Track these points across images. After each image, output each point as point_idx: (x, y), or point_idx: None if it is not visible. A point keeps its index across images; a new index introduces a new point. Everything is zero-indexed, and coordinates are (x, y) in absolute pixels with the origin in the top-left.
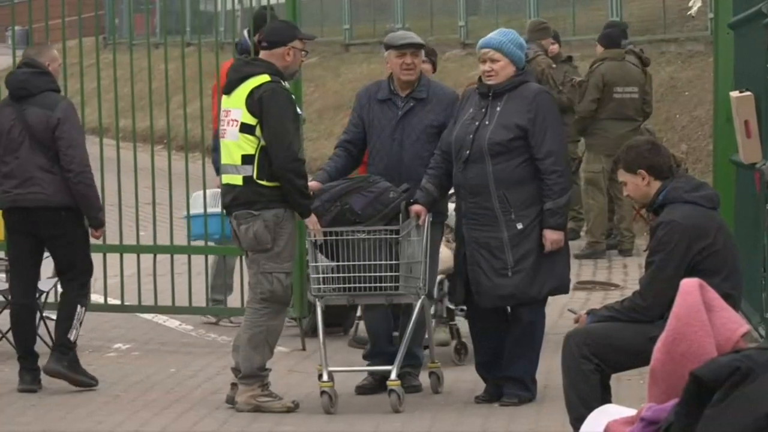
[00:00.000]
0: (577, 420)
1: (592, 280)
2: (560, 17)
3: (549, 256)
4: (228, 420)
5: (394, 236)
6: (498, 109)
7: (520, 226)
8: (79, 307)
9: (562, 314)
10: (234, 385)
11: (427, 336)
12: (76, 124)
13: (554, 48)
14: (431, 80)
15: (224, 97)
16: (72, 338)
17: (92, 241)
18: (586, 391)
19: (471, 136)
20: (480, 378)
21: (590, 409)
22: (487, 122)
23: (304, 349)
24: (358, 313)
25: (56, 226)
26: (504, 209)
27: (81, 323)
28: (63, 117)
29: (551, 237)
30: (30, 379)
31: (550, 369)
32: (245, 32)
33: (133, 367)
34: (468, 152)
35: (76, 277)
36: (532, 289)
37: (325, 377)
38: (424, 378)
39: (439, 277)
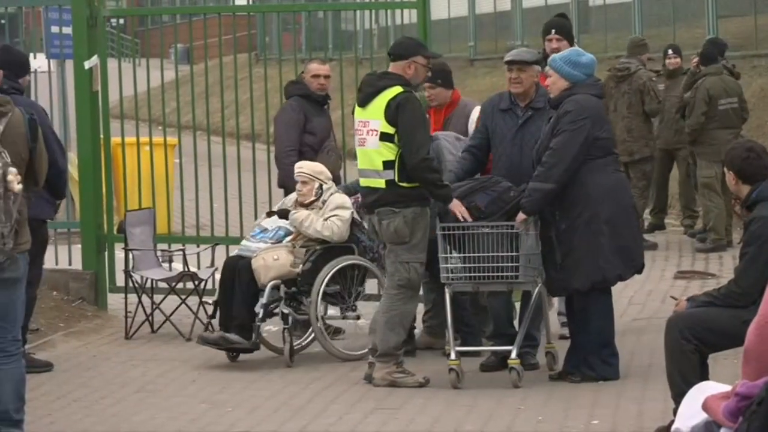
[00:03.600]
0: (678, 395)
1: (691, 270)
2: (662, 34)
3: (592, 252)
4: (366, 394)
5: (514, 230)
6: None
7: (563, 225)
8: None
9: (664, 300)
10: (371, 364)
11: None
12: (283, 122)
13: (676, 61)
14: (547, 91)
15: (358, 108)
16: None
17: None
18: (687, 369)
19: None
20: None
21: (690, 385)
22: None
23: None
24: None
25: None
26: (550, 210)
27: None
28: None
29: (518, 216)
30: None
31: (654, 349)
32: None
33: (282, 347)
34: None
35: None
36: (576, 282)
37: (452, 356)
38: (540, 357)
39: (272, 282)
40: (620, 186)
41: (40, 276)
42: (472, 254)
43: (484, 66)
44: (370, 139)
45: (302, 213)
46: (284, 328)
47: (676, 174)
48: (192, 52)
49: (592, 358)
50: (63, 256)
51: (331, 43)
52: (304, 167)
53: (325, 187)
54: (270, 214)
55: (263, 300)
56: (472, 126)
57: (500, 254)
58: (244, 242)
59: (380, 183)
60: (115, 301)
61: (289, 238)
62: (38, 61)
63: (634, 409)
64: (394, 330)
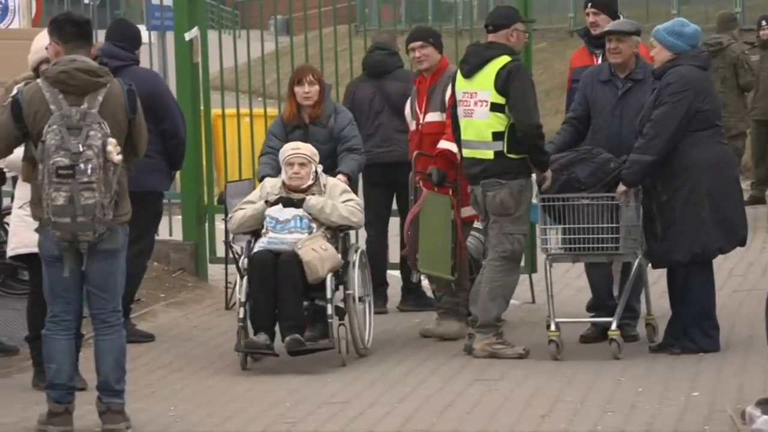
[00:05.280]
0: None
1: None
2: (765, 5)
3: (692, 225)
4: (466, 365)
5: (614, 202)
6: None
7: (664, 197)
8: None
9: (765, 272)
10: (471, 335)
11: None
12: None
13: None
14: (648, 63)
15: (463, 79)
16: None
17: None
18: None
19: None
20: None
21: None
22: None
23: (533, 302)
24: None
25: (407, 176)
26: (651, 181)
27: None
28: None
29: (618, 188)
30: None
31: (754, 321)
32: None
33: (379, 320)
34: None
35: None
36: (677, 254)
37: (552, 327)
38: (641, 328)
39: (330, 275)
40: (723, 158)
41: (152, 247)
42: (571, 225)
43: None
44: (478, 110)
45: (318, 199)
46: (340, 324)
47: None
48: (292, 23)
49: (693, 330)
50: (164, 227)
51: (431, 15)
52: (302, 148)
53: (320, 169)
54: (268, 203)
55: (328, 294)
56: (446, 96)
57: (600, 226)
58: (272, 235)
59: (488, 154)
60: (215, 272)
61: (314, 226)
62: None
63: (735, 381)
64: (496, 301)
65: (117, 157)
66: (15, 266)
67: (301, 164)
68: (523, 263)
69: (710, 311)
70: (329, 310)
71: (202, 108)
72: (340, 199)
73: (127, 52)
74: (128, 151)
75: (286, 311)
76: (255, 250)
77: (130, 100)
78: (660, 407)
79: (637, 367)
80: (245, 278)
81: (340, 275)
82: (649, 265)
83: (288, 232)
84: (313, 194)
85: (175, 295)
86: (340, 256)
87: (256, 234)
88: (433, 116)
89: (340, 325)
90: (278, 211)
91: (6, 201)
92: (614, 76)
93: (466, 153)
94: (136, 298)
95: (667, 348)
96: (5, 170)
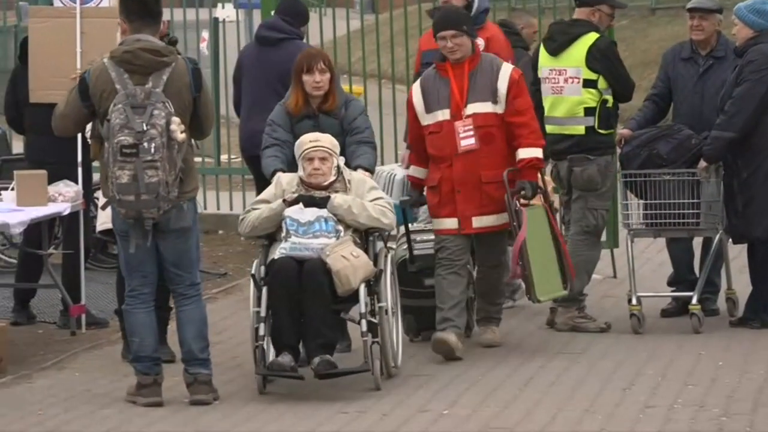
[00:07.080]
0: None
1: None
2: None
3: None
4: (548, 339)
5: (695, 178)
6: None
7: (745, 174)
8: None
9: None
10: (553, 309)
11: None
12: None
13: None
14: (729, 40)
15: (548, 57)
16: None
17: None
18: None
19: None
20: None
21: None
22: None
23: (615, 276)
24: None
25: None
26: (732, 158)
27: None
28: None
29: (699, 164)
30: None
31: None
32: None
33: None
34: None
35: None
36: (757, 231)
37: (634, 301)
38: (721, 303)
39: (363, 285)
40: None
41: None
42: (653, 201)
43: (666, 15)
44: (569, 87)
45: (344, 198)
46: (374, 341)
47: None
48: (377, 1)
49: (761, 307)
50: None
51: None
52: (321, 140)
53: (341, 163)
54: (286, 202)
55: (362, 308)
56: (503, 86)
57: (682, 201)
58: (295, 239)
59: (579, 130)
60: None
61: (341, 228)
62: (226, 11)
63: None
64: (578, 275)
65: (181, 136)
66: (105, 241)
67: (322, 159)
68: (604, 238)
69: None
70: (363, 326)
71: None
72: (368, 197)
73: (291, 26)
74: (194, 130)
75: (313, 328)
76: (275, 256)
77: (195, 79)
78: (740, 381)
79: (718, 341)
80: (264, 289)
81: (372, 285)
82: (730, 240)
83: (313, 236)
84: (337, 191)
85: None
86: (372, 263)
87: (271, 238)
88: (482, 107)
89: (373, 343)
90: (299, 212)
91: (96, 177)
92: (696, 53)
93: (552, 129)
94: (223, 272)
95: (747, 322)
96: None
